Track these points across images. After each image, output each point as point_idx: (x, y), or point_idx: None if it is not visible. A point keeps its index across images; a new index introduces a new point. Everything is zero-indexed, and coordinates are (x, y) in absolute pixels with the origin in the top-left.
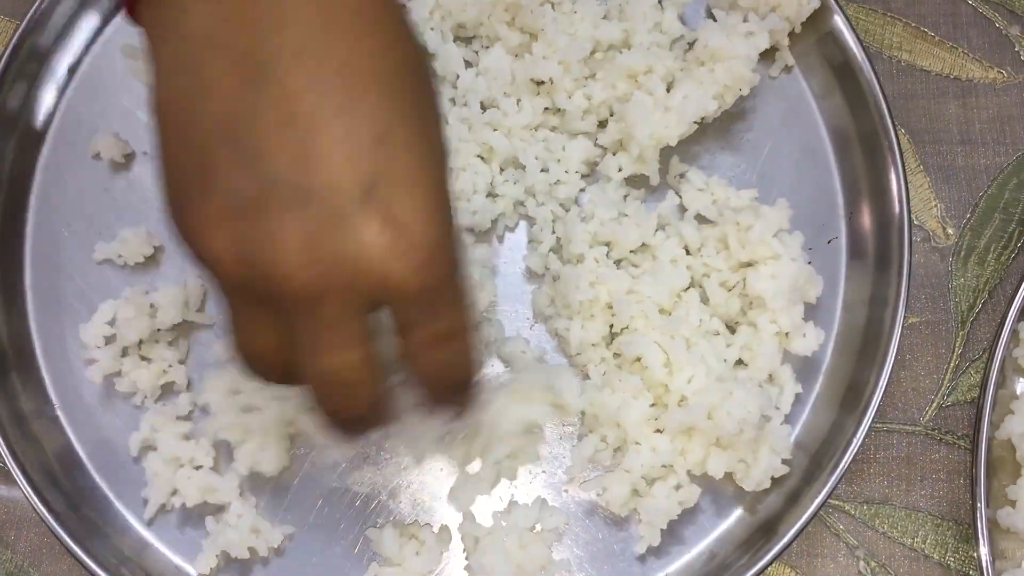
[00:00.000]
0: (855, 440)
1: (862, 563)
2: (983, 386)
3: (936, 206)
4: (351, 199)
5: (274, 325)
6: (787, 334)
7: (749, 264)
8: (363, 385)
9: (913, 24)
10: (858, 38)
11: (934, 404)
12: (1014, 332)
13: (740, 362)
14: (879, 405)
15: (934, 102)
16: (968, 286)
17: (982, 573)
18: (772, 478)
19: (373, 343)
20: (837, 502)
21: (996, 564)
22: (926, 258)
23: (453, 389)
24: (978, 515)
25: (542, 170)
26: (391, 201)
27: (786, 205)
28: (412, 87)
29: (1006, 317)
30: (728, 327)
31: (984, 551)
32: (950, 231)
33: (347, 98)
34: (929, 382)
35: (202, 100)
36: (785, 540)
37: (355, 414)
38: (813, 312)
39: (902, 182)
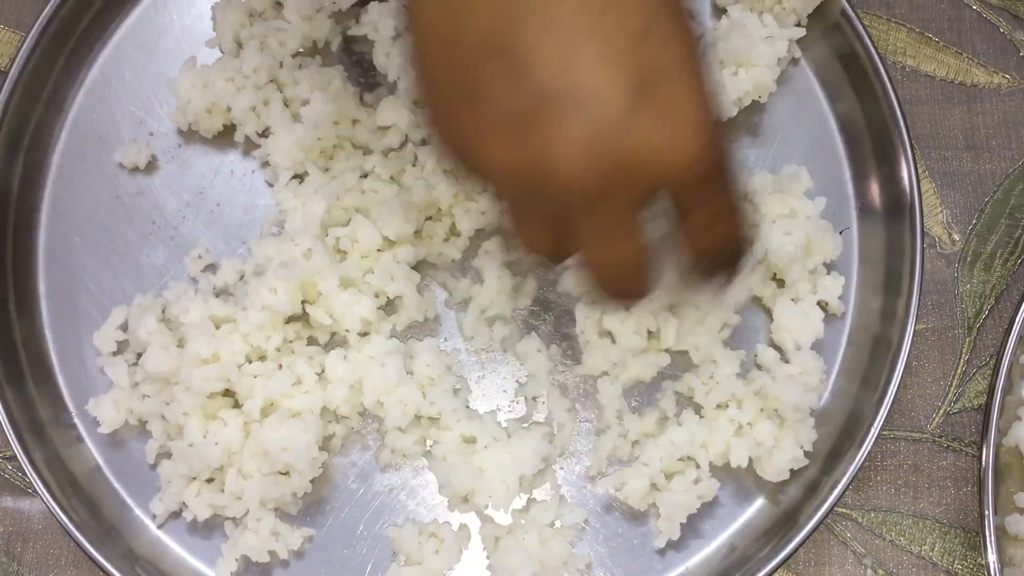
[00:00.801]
0: (875, 425)
1: (869, 571)
2: (990, 392)
3: (942, 212)
4: (622, 99)
5: (554, 222)
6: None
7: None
8: (640, 271)
9: (917, 29)
10: (865, 30)
11: (941, 411)
12: (1021, 338)
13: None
14: (887, 412)
15: (939, 108)
16: (975, 292)
17: None
18: (791, 470)
19: (644, 229)
20: (844, 510)
21: (1005, 572)
22: (932, 264)
23: (726, 263)
24: (986, 522)
25: None
26: (662, 96)
27: (806, 172)
28: None
29: (1013, 323)
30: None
31: (992, 558)
32: (956, 237)
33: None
34: (936, 389)
35: (466, 16)
36: (806, 531)
37: (633, 295)
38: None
39: (912, 171)
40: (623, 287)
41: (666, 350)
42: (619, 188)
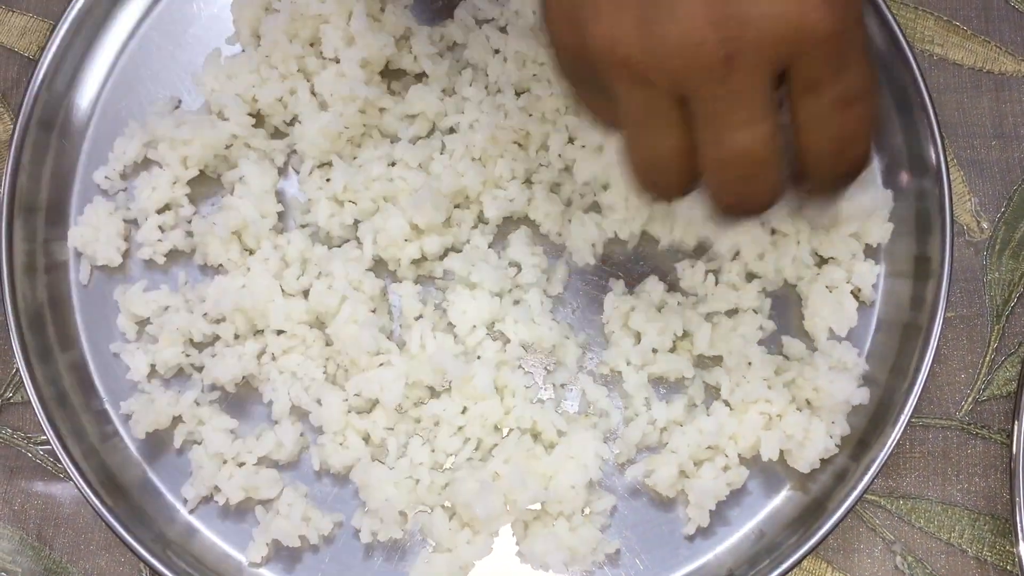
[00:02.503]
0: (904, 413)
1: (899, 558)
2: (1020, 380)
3: (970, 200)
4: None
5: (677, 118)
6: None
7: None
8: (770, 163)
9: (945, 18)
10: (893, 18)
11: (970, 399)
12: None
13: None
14: (917, 399)
15: (967, 96)
16: (1003, 280)
17: (1022, 569)
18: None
19: (777, 116)
20: (874, 497)
21: None
22: (960, 252)
23: (848, 167)
24: (1017, 510)
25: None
26: None
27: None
28: None
29: None
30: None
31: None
32: (984, 225)
33: None
34: (964, 376)
35: None
36: (835, 519)
37: (758, 198)
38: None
39: (941, 159)
40: (752, 187)
41: (698, 355)
42: (745, 55)
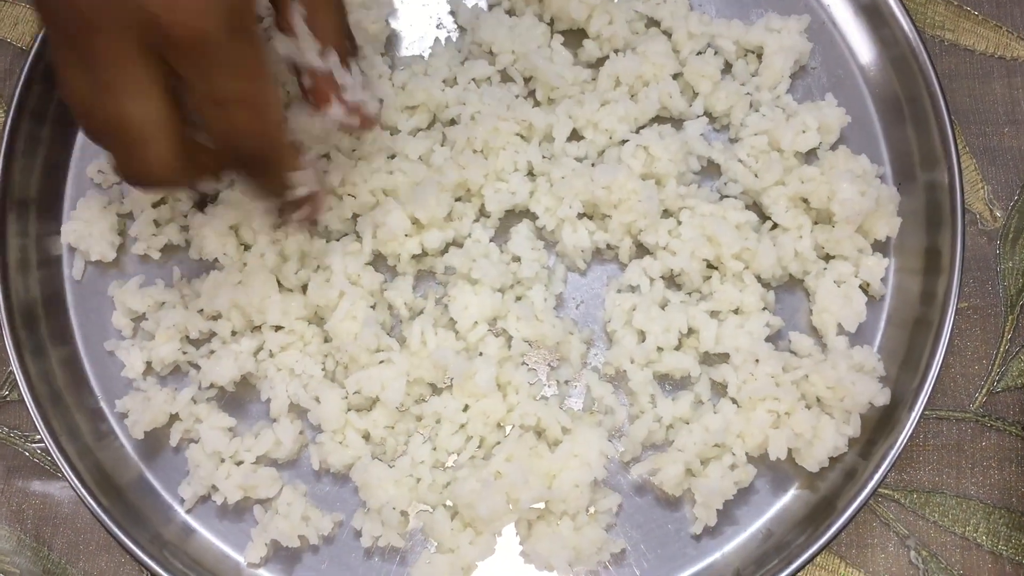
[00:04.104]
0: (915, 410)
1: (913, 552)
2: None
3: (983, 188)
4: None
5: (80, 66)
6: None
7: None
8: (147, 141)
9: (956, 3)
10: (902, 3)
11: (984, 390)
12: None
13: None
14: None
15: (979, 82)
16: (1017, 269)
17: None
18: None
19: (174, 104)
20: (887, 491)
21: None
22: (973, 241)
23: (238, 160)
24: None
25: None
26: None
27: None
28: None
29: None
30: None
31: None
32: (997, 213)
33: None
34: (978, 368)
35: None
36: (844, 518)
37: (143, 172)
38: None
39: (952, 147)
40: (133, 160)
41: (704, 352)
42: (109, 24)
